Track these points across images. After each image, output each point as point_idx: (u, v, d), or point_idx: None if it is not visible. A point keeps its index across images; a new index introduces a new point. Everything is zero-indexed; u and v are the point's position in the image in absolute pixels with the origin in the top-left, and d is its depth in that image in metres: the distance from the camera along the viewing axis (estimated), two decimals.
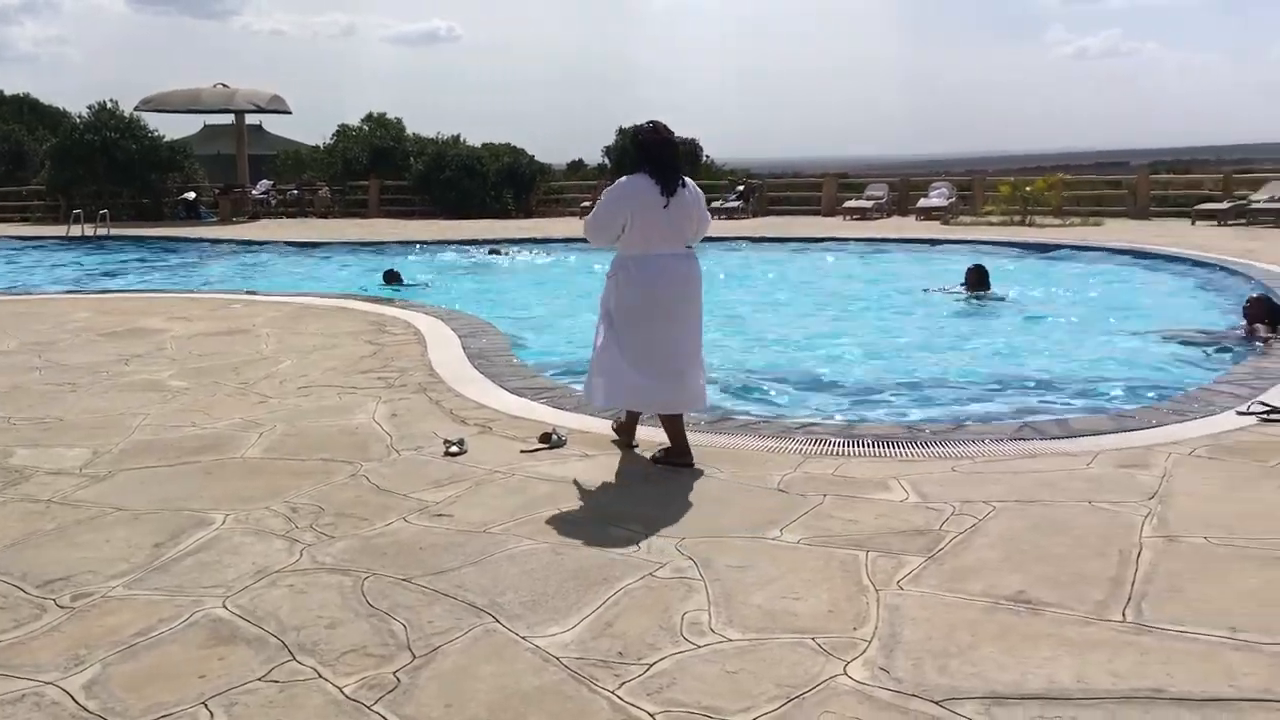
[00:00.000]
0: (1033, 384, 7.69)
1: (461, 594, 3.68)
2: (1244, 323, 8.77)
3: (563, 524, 4.39)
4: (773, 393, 7.66)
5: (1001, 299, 11.80)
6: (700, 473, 5.06)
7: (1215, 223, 19.75)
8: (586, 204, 26.67)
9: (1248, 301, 9.04)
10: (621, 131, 30.99)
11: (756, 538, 4.17)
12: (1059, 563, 3.83)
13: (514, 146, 30.58)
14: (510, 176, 28.10)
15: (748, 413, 6.82)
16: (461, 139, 30.53)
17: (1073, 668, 3.05)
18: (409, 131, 31.89)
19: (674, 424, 5.27)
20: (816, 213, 25.25)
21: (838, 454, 5.35)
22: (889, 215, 23.93)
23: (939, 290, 12.33)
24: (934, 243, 18.40)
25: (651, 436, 5.52)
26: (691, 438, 5.63)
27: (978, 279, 11.83)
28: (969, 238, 18.73)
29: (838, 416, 6.77)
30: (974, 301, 11.62)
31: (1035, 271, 15.10)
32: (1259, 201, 19.92)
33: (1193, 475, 4.80)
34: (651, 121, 5.21)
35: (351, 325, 9.84)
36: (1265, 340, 8.26)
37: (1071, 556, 3.89)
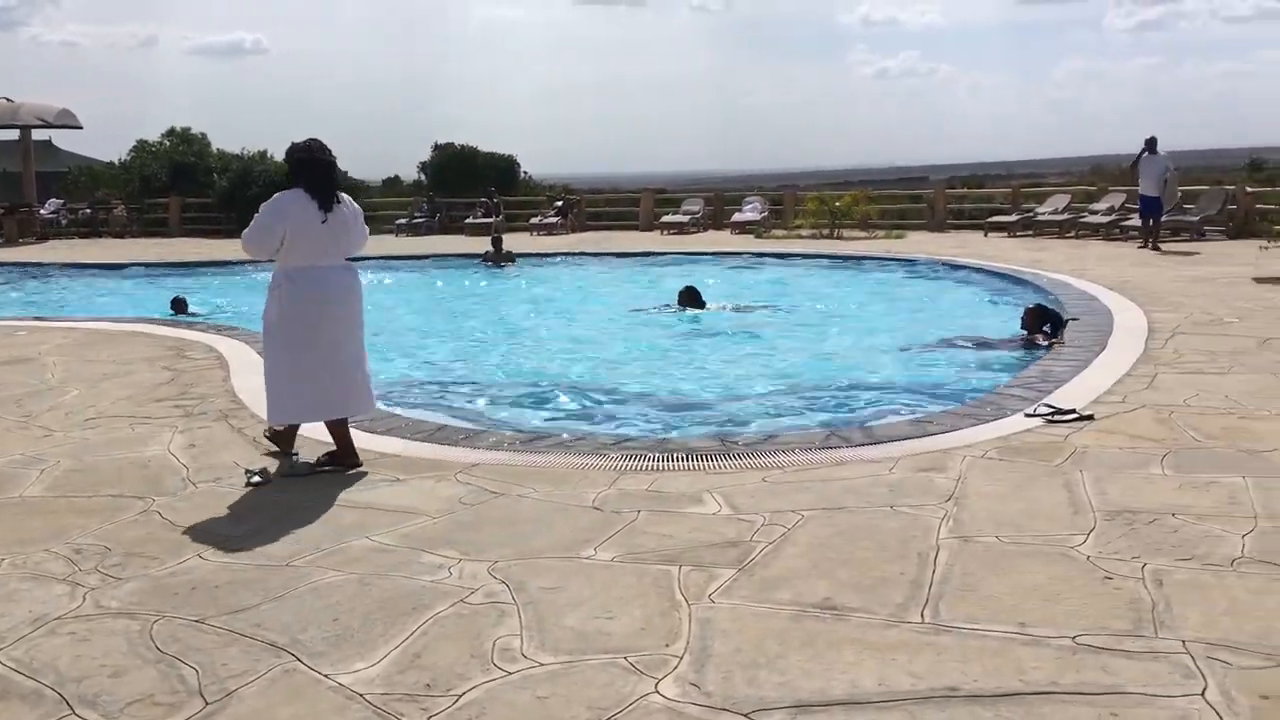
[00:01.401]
0: (841, 393, 7.93)
1: (260, 633, 3.50)
2: (1025, 332, 9.28)
3: (371, 553, 4.24)
4: (587, 409, 7.65)
5: (745, 309, 12.20)
6: (512, 493, 4.99)
7: (1006, 234, 20.95)
8: (403, 221, 26.21)
9: (1025, 312, 9.57)
10: (437, 148, 30.60)
11: (571, 557, 4.14)
12: (863, 567, 3.94)
13: None
14: None
15: (563, 430, 6.79)
16: (269, 155, 29.48)
17: (875, 671, 3.13)
18: (213, 147, 30.59)
19: (340, 428, 5.49)
20: (635, 227, 25.51)
21: (653, 469, 5.38)
22: (705, 229, 24.39)
23: (654, 309, 12.58)
24: (749, 255, 18.88)
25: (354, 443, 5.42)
26: (504, 457, 5.60)
27: (690, 298, 12.24)
28: (780, 250, 19.30)
29: (651, 431, 6.81)
30: (688, 318, 11.96)
31: (843, 283, 15.67)
32: (1044, 214, 21.24)
33: (984, 477, 5.03)
34: (309, 140, 5.46)
35: (147, 350, 9.33)
36: (1048, 346, 8.77)
37: (875, 561, 4.01)
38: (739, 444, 5.86)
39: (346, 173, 29.23)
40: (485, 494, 4.99)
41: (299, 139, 5.48)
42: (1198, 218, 18.64)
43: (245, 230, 5.43)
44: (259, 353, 8.85)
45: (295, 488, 5.16)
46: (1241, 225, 18.46)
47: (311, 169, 5.36)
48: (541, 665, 3.22)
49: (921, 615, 3.50)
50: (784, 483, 5.08)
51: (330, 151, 5.46)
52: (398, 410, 7.07)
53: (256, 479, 5.24)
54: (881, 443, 5.73)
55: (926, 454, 5.46)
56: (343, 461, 5.46)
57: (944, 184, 27.74)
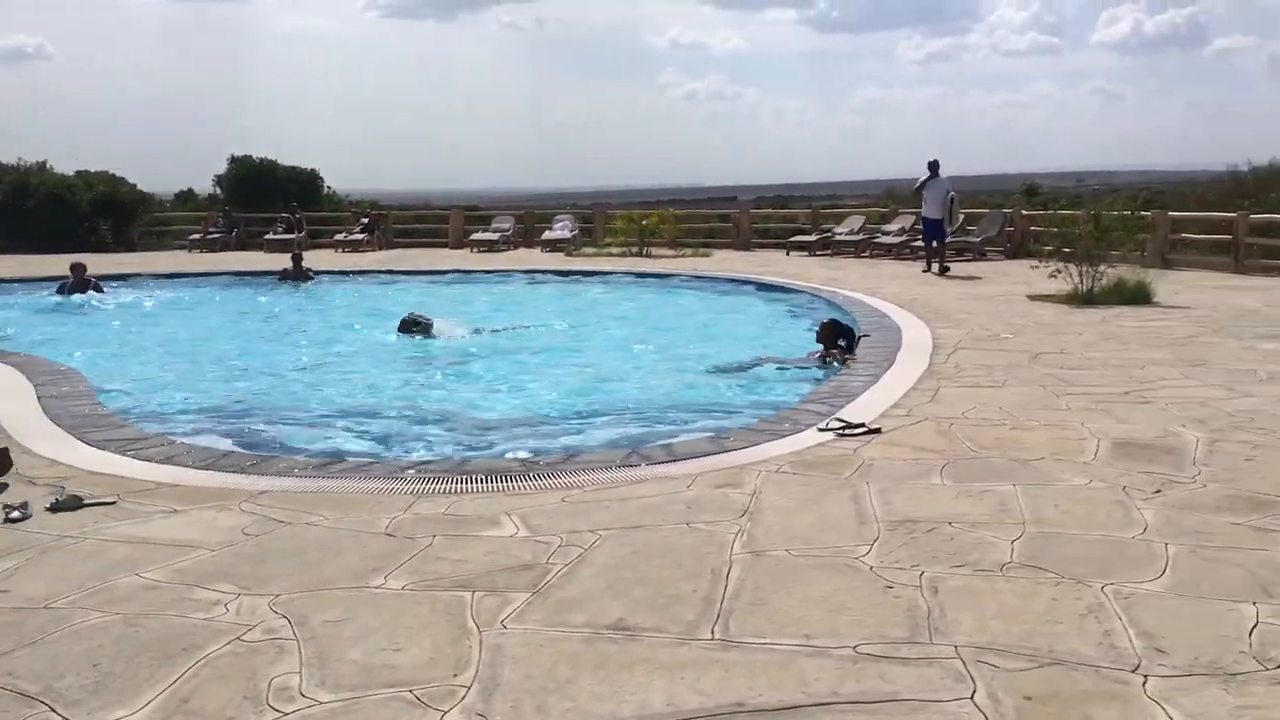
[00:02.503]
0: (643, 411, 7.96)
1: (11, 682, 3.23)
2: (821, 347, 9.59)
3: (140, 591, 3.98)
4: (384, 433, 7.41)
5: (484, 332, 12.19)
6: (300, 521, 4.78)
7: (806, 253, 21.70)
8: (196, 236, 25.05)
9: (820, 327, 9.89)
10: (233, 160, 29.40)
11: (359, 587, 3.99)
12: (658, 586, 3.95)
13: (113, 175, 28.17)
14: (108, 207, 25.81)
15: (359, 454, 6.58)
16: (49, 166, 27.69)
17: (664, 691, 3.13)
18: None
19: None
20: (445, 245, 25.15)
21: (450, 492, 5.27)
22: (515, 247, 24.27)
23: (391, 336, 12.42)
24: (559, 273, 18.91)
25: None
26: (293, 484, 5.41)
27: (412, 326, 12.17)
28: (590, 268, 19.40)
29: (449, 453, 6.68)
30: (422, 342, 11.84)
31: (646, 300, 15.86)
32: (841, 234, 22.12)
33: (778, 491, 5.15)
34: None
35: None
36: (843, 360, 9.10)
37: (670, 579, 4.02)
38: (540, 464, 5.81)
39: (135, 185, 27.87)
40: (271, 523, 4.76)
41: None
42: (979, 239, 19.79)
43: None
44: (29, 378, 8.30)
45: (60, 522, 4.80)
46: (1018, 246, 19.70)
47: None
48: (321, 704, 3.08)
49: (712, 632, 3.53)
50: (583, 502, 5.06)
51: None
52: (179, 436, 6.69)
53: (16, 514, 4.86)
54: (681, 460, 5.79)
55: (724, 470, 5.55)
56: None
57: (749, 204, 28.59)
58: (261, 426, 7.50)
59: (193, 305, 16.21)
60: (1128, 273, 12.96)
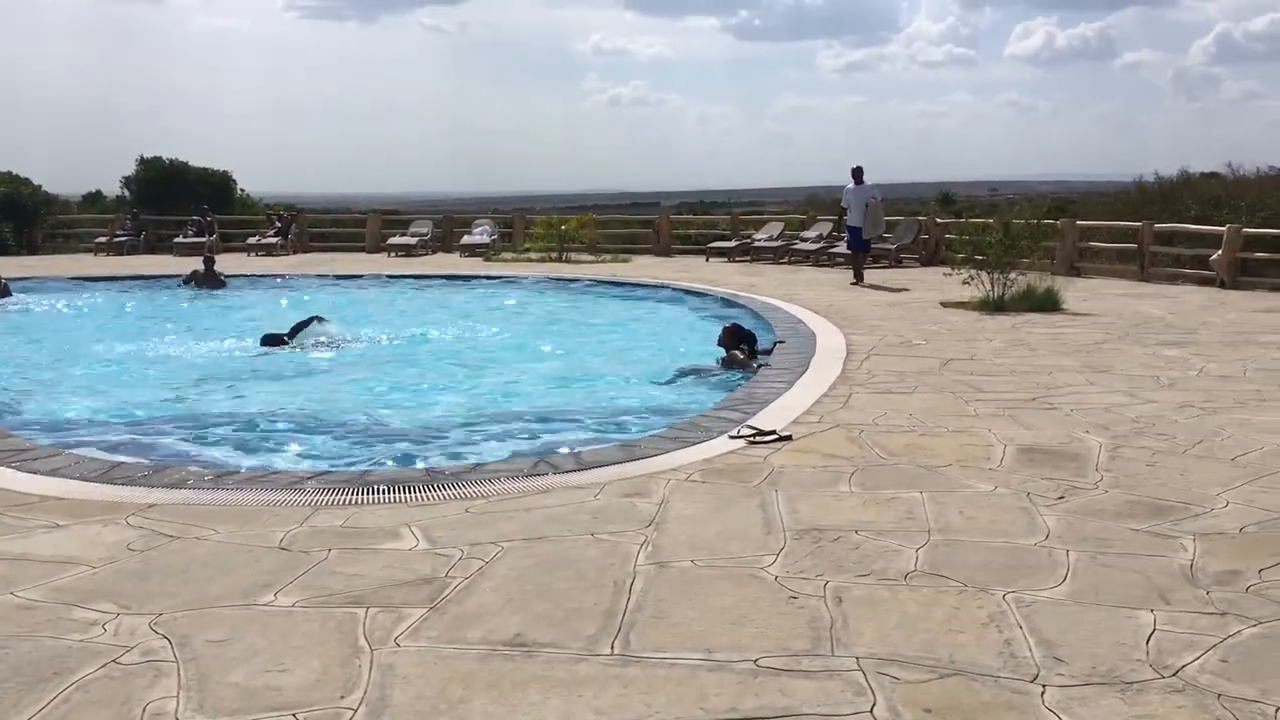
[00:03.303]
0: (551, 419, 7.83)
1: None
2: (725, 352, 9.57)
3: (14, 611, 3.78)
4: (285, 443, 7.17)
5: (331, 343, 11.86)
6: (190, 535, 4.59)
7: (726, 259, 21.78)
8: (103, 239, 24.31)
9: (722, 331, 9.88)
10: (142, 161, 28.61)
11: (248, 605, 3.83)
12: (559, 599, 3.86)
13: (15, 175, 27.24)
14: (9, 208, 24.94)
15: (256, 465, 6.37)
16: None
17: (560, 710, 3.04)
18: None
19: None
20: (363, 249, 24.75)
21: (350, 503, 5.11)
22: (433, 252, 23.98)
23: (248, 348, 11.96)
24: (476, 278, 18.71)
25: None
26: (185, 496, 5.21)
27: (272, 341, 11.80)
28: (507, 273, 19.24)
29: (351, 463, 6.49)
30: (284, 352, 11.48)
31: (563, 306, 15.74)
32: (760, 240, 22.24)
33: (685, 500, 5.08)
34: None
35: None
36: (755, 367, 9.08)
37: (572, 591, 3.94)
38: (444, 473, 5.67)
39: (39, 186, 26.99)
40: (159, 538, 4.57)
41: None
42: (895, 246, 20.04)
43: None
44: None
45: None
46: (932, 253, 19.99)
47: None
48: None
49: (612, 647, 3.45)
50: (487, 513, 4.95)
51: None
52: (68, 447, 6.41)
53: None
54: (589, 469, 5.69)
55: (632, 479, 5.47)
56: None
57: (669, 210, 28.63)
58: (156, 437, 7.21)
59: (94, 310, 15.67)
60: (1037, 280, 13.19)
